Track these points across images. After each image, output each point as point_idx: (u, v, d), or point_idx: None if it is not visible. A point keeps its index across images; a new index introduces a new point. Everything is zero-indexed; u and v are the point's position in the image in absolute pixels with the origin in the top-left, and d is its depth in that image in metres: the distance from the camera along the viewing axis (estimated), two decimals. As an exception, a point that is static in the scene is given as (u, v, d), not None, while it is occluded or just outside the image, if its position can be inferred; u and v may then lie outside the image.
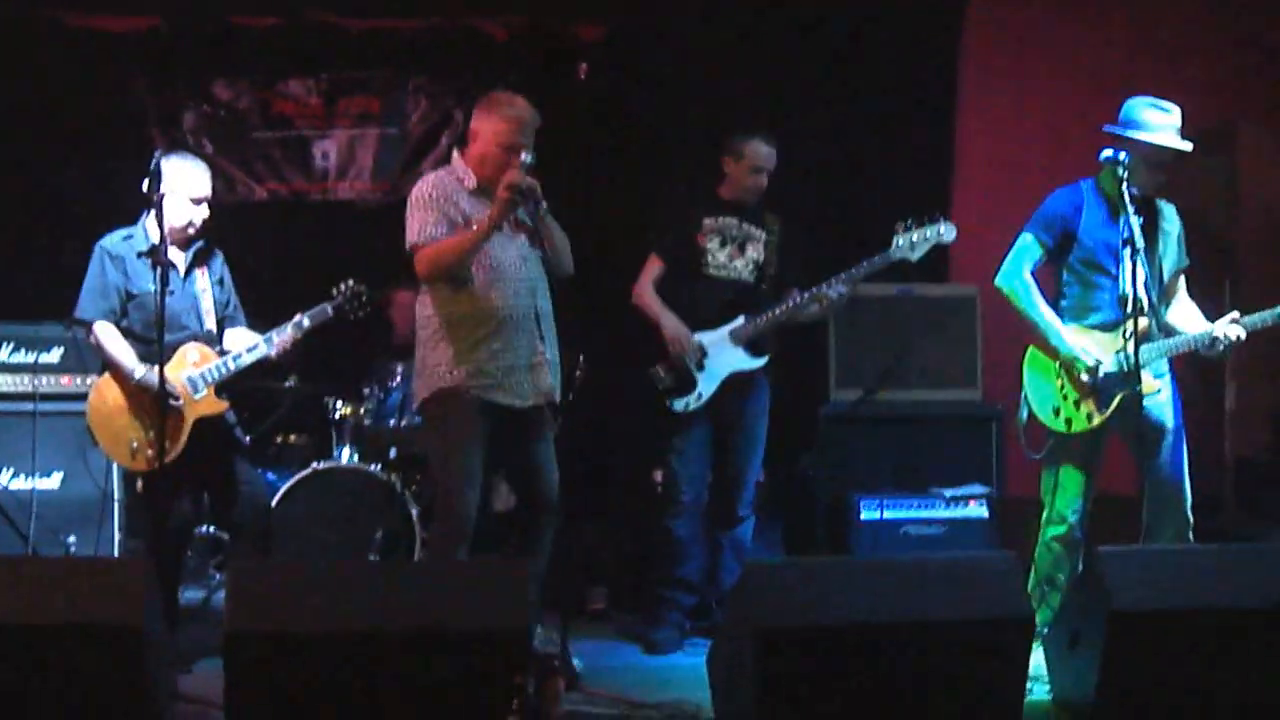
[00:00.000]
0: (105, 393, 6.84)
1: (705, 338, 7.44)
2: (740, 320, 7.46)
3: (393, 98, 9.19)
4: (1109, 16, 9.32)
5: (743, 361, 7.47)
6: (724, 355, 7.45)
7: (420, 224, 6.49)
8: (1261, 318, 6.67)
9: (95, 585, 5.39)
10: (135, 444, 6.77)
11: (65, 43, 8.78)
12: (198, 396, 6.77)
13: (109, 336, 6.79)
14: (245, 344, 6.92)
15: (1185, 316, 6.90)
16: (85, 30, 8.73)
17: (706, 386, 7.43)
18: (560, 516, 6.70)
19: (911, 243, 7.23)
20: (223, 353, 6.89)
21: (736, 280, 7.54)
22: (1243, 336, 6.69)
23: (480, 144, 6.53)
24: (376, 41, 9.07)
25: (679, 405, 7.43)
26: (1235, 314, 6.70)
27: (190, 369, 6.77)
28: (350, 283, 7.01)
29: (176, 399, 6.68)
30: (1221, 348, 6.73)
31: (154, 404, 6.50)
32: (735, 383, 7.47)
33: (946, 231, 7.25)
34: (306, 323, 6.91)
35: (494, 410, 6.52)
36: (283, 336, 6.89)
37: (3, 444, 8.05)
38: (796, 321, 7.52)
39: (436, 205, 6.50)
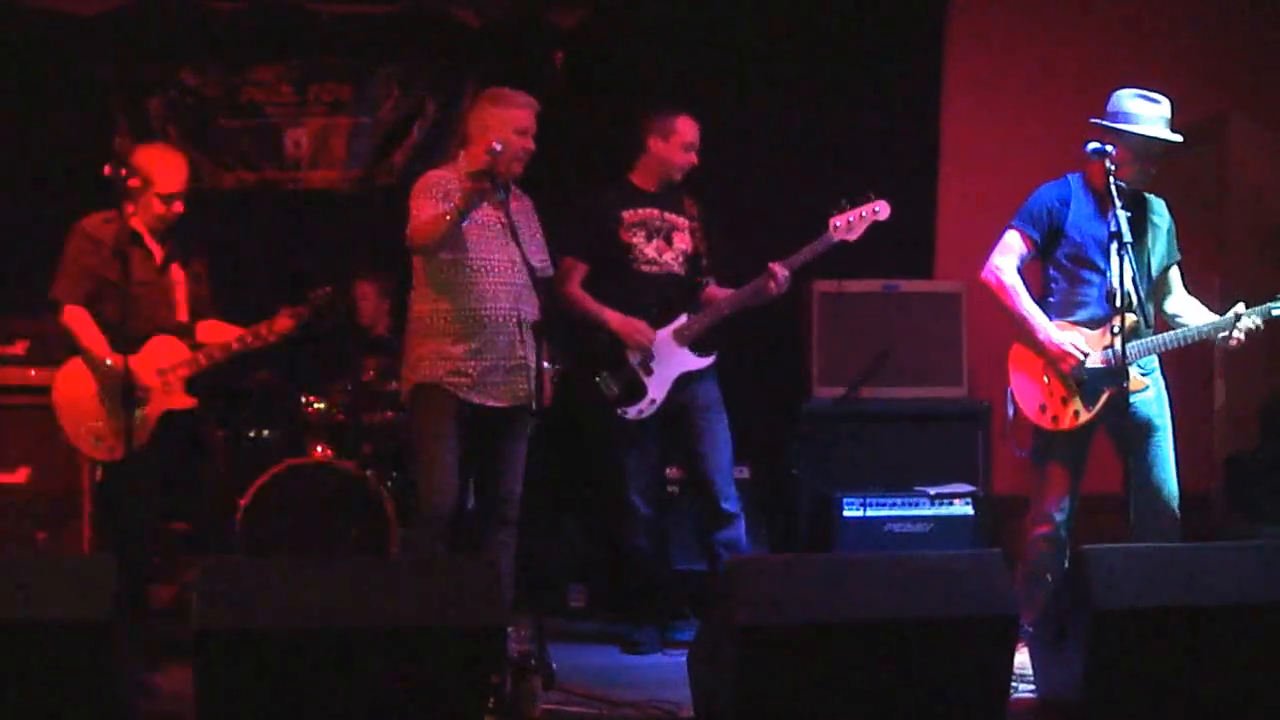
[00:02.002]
0: (72, 379, 6.74)
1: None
2: (683, 319, 7.32)
3: (365, 85, 9.06)
4: (1097, 7, 9.22)
5: (690, 362, 7.33)
6: (671, 357, 7.31)
7: (415, 211, 6.59)
8: (1271, 307, 6.60)
9: (61, 581, 5.32)
10: (99, 434, 6.67)
11: (28, 25, 8.59)
12: (166, 390, 6.64)
13: (80, 322, 6.66)
14: (219, 339, 6.79)
15: (1187, 309, 6.81)
16: (49, 12, 8.55)
17: (658, 391, 7.29)
18: (513, 528, 6.73)
19: (849, 223, 7.12)
20: (195, 347, 6.76)
21: (668, 274, 7.37)
22: (1261, 326, 6.61)
23: (493, 134, 6.53)
24: (348, 28, 8.91)
25: (632, 413, 7.28)
26: (1241, 306, 6.63)
27: (160, 361, 6.65)
28: (325, 290, 6.89)
29: (143, 391, 6.56)
30: (1239, 331, 6.64)
31: (120, 394, 6.39)
32: (685, 382, 7.33)
33: (881, 209, 7.16)
34: (288, 321, 6.80)
35: (469, 409, 6.60)
36: (272, 331, 6.77)
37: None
38: (738, 312, 7.34)
39: (430, 194, 6.60)
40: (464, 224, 6.51)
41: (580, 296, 7.31)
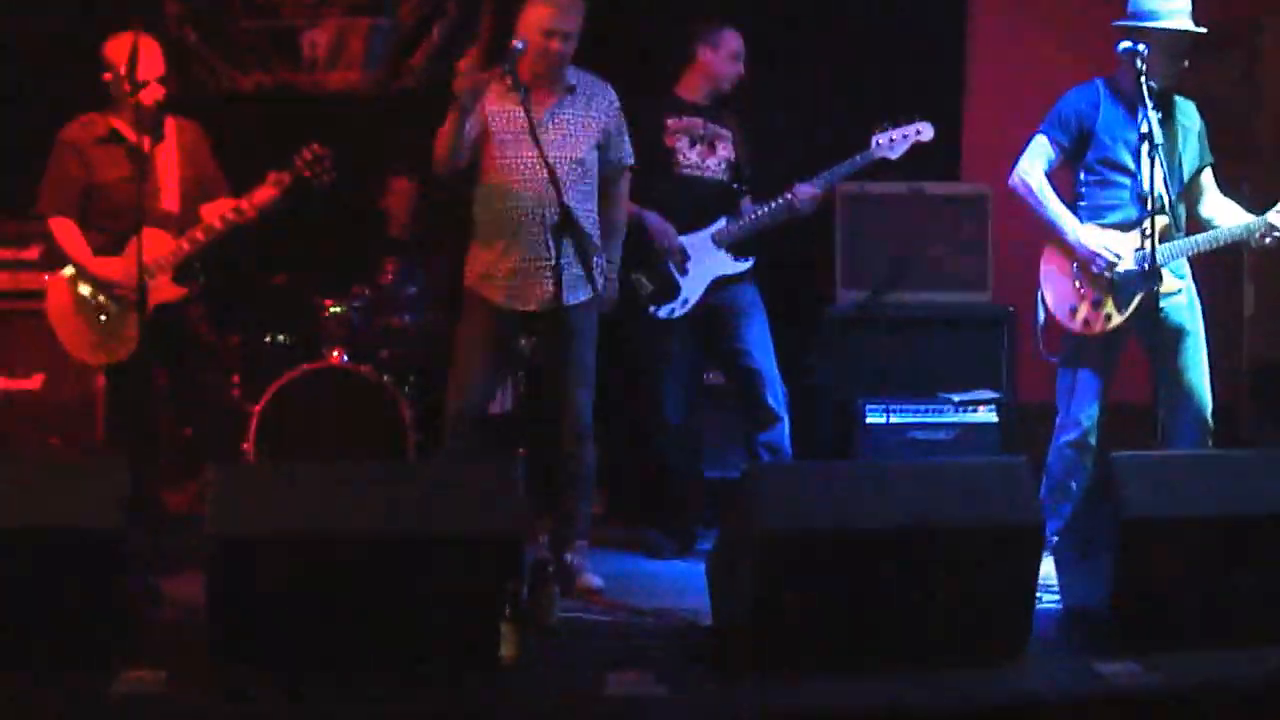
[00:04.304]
0: (60, 288, 6.75)
1: (686, 240, 7.28)
2: (722, 222, 7.33)
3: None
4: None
5: (727, 265, 7.32)
6: (707, 258, 7.30)
7: None
8: None
9: (70, 486, 5.30)
10: (93, 339, 6.66)
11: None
12: (149, 283, 6.52)
13: (63, 230, 6.68)
14: (208, 220, 6.72)
15: (1221, 210, 6.73)
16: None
17: (691, 291, 7.27)
18: (578, 438, 6.64)
19: (890, 140, 7.18)
20: (179, 234, 6.69)
21: (711, 179, 7.38)
22: None
23: (520, 33, 6.42)
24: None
25: (663, 312, 7.26)
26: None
27: (144, 255, 6.53)
28: (312, 148, 6.79)
29: (125, 289, 6.53)
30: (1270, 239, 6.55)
31: (109, 298, 6.49)
32: (721, 285, 7.29)
33: (924, 130, 7.22)
34: (269, 190, 6.71)
35: (503, 313, 6.57)
36: (253, 202, 6.69)
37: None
38: (777, 224, 7.32)
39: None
40: (493, 127, 6.46)
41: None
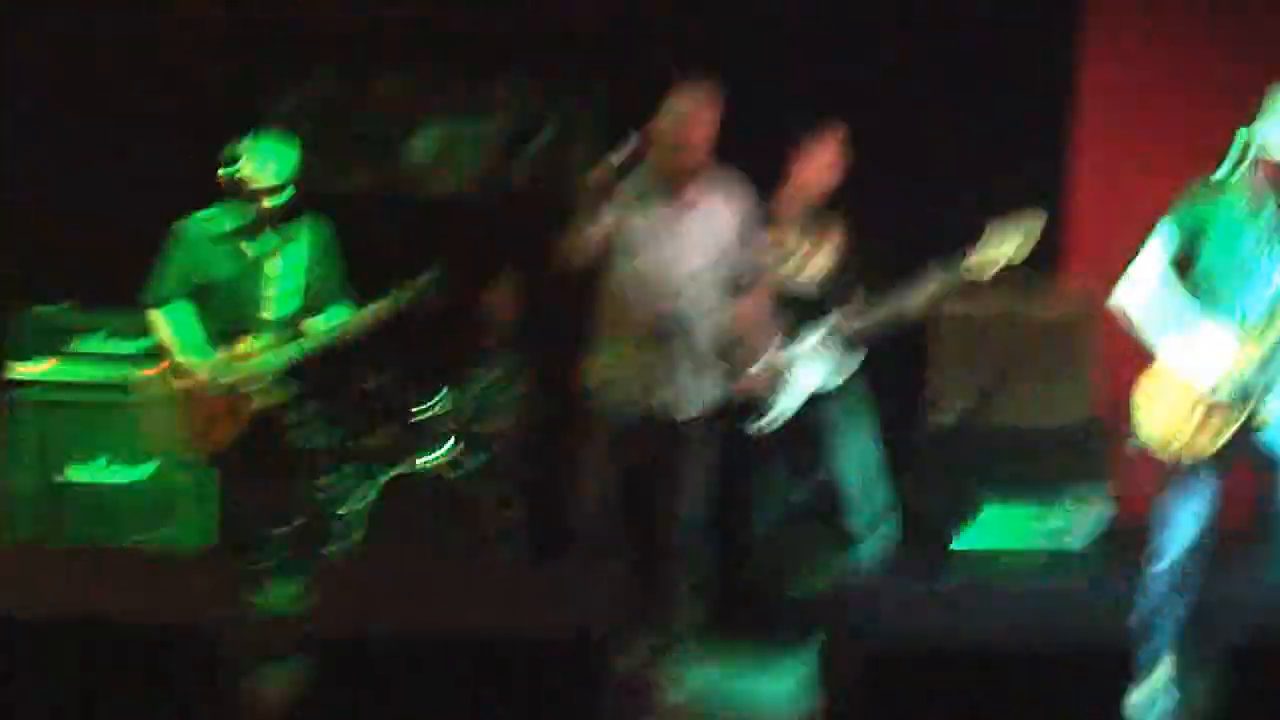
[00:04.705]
0: (160, 382, 6.81)
1: (786, 353, 7.27)
2: (832, 320, 7.29)
3: (492, 87, 9.10)
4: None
5: (825, 379, 7.31)
6: (808, 366, 7.26)
7: None
8: None
9: (174, 580, 5.34)
10: (190, 433, 6.72)
11: (175, 24, 8.74)
12: (253, 388, 6.64)
13: (161, 324, 6.75)
14: (320, 328, 6.82)
15: None
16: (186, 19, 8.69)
17: (787, 403, 7.23)
18: (673, 552, 6.63)
19: (979, 264, 7.17)
20: (289, 341, 6.77)
21: (803, 294, 7.37)
22: None
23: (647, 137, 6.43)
24: (471, 37, 8.94)
25: (754, 427, 7.23)
26: None
27: (247, 359, 6.66)
28: (417, 277, 6.87)
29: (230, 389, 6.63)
30: None
31: (206, 395, 6.58)
32: (816, 397, 7.29)
33: (1011, 247, 7.18)
34: (367, 319, 6.81)
35: (621, 420, 6.55)
36: (354, 325, 6.79)
37: (97, 434, 8.04)
38: (889, 325, 7.32)
39: None
40: (618, 229, 6.44)
41: None
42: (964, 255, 7.13)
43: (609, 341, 6.59)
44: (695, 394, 6.48)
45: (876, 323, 7.29)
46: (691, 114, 6.40)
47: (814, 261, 7.36)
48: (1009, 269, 7.21)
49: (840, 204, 7.52)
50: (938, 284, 7.13)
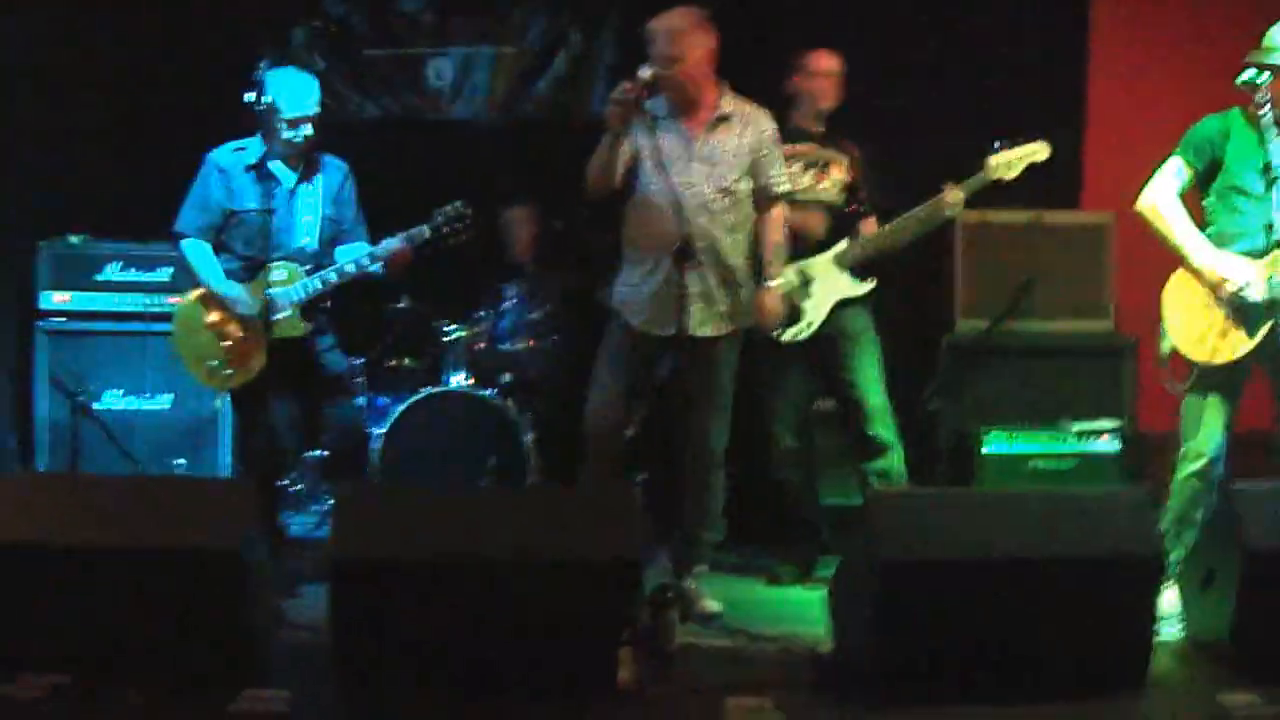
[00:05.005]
0: (190, 310, 6.81)
1: (808, 264, 7.26)
2: (844, 244, 7.28)
3: (508, 16, 9.05)
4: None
5: (849, 287, 7.28)
6: (829, 281, 7.27)
7: None
8: None
9: (196, 507, 5.39)
10: (214, 363, 6.73)
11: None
12: (276, 317, 6.64)
13: (194, 252, 6.75)
14: (342, 262, 6.80)
15: None
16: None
17: (815, 314, 7.24)
18: (703, 465, 6.66)
19: (1008, 162, 7.11)
20: (314, 271, 6.75)
21: (825, 202, 7.32)
22: None
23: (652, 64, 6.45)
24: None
25: (786, 336, 7.22)
26: None
27: (274, 287, 6.65)
28: (455, 205, 6.85)
29: (251, 315, 6.63)
30: None
31: (234, 323, 6.59)
32: (840, 308, 7.28)
33: (1040, 150, 7.15)
34: (401, 243, 6.76)
35: (638, 337, 6.62)
36: (389, 250, 6.75)
37: (114, 364, 8.08)
38: (898, 245, 7.29)
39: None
40: (640, 155, 6.49)
41: None
42: (995, 149, 7.08)
43: (632, 261, 6.64)
44: (717, 312, 6.49)
45: (878, 247, 7.26)
46: (678, 30, 6.44)
47: (831, 174, 7.32)
48: (1035, 168, 7.15)
49: (854, 123, 7.49)
50: (960, 191, 7.09)
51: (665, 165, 6.45)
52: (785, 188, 6.75)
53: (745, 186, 6.61)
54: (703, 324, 6.48)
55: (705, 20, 6.53)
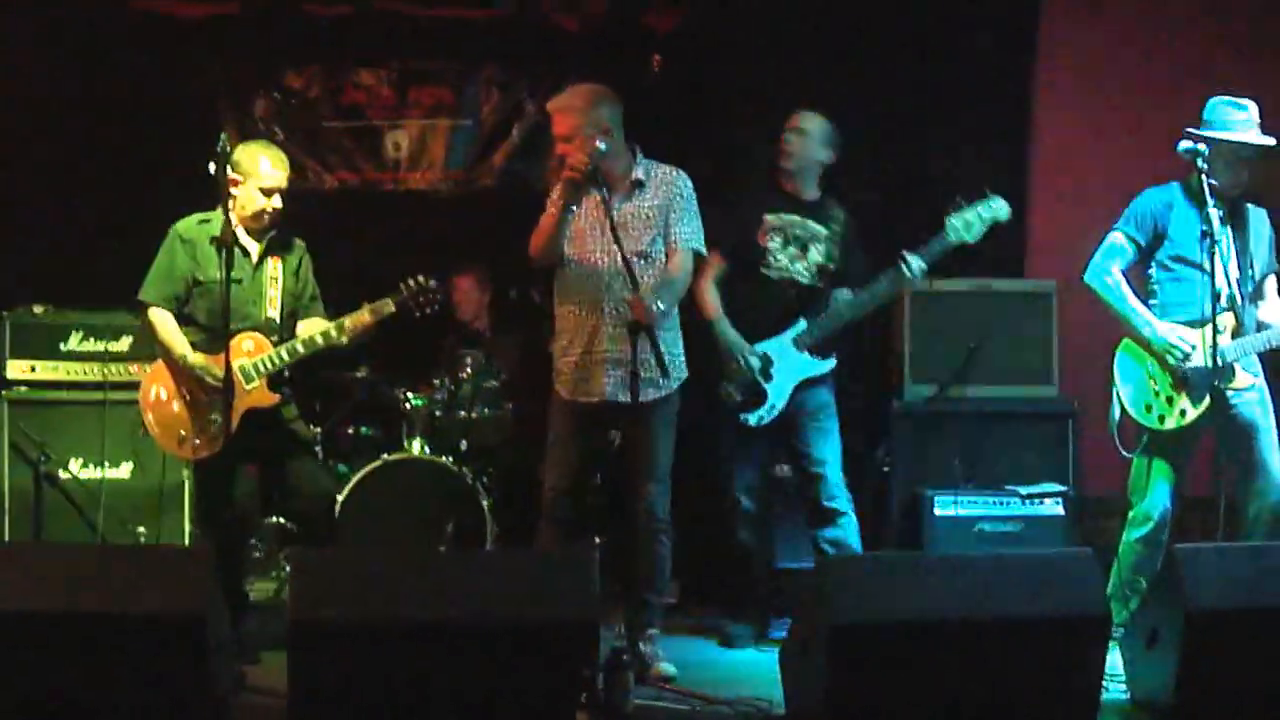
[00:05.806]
0: (156, 380, 6.83)
1: (769, 346, 7.28)
2: (802, 325, 7.26)
3: (465, 88, 9.18)
4: (1193, 6, 9.11)
5: (810, 367, 7.28)
6: (790, 362, 7.28)
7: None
8: None
9: (157, 574, 5.39)
10: (183, 433, 6.75)
11: (137, 28, 8.79)
12: (248, 387, 6.69)
13: (160, 322, 6.76)
14: (308, 334, 6.85)
15: (1275, 315, 6.80)
16: (158, 16, 8.74)
17: (778, 398, 7.25)
18: (647, 527, 6.69)
19: (966, 222, 7.06)
20: (279, 343, 6.80)
21: (796, 282, 7.31)
22: None
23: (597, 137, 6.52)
24: (448, 32, 9.05)
25: (753, 419, 7.25)
26: None
27: (243, 358, 6.69)
28: (419, 279, 6.89)
29: (222, 389, 6.57)
30: None
31: (202, 393, 6.61)
32: (802, 387, 7.28)
33: (1000, 208, 7.10)
34: (368, 317, 6.82)
35: (577, 406, 6.69)
36: (357, 325, 6.80)
37: (73, 433, 8.03)
38: (857, 320, 7.34)
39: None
40: (575, 225, 6.59)
41: (708, 296, 7.28)
42: (956, 206, 7.08)
43: (559, 330, 6.74)
44: (644, 378, 6.48)
45: (838, 329, 7.31)
46: (573, 109, 6.56)
47: (809, 255, 7.33)
48: (995, 229, 7.18)
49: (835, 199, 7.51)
50: (922, 260, 7.09)
51: (586, 233, 6.58)
52: (694, 245, 6.72)
53: (661, 248, 6.67)
54: (638, 388, 6.45)
55: (603, 94, 6.60)
